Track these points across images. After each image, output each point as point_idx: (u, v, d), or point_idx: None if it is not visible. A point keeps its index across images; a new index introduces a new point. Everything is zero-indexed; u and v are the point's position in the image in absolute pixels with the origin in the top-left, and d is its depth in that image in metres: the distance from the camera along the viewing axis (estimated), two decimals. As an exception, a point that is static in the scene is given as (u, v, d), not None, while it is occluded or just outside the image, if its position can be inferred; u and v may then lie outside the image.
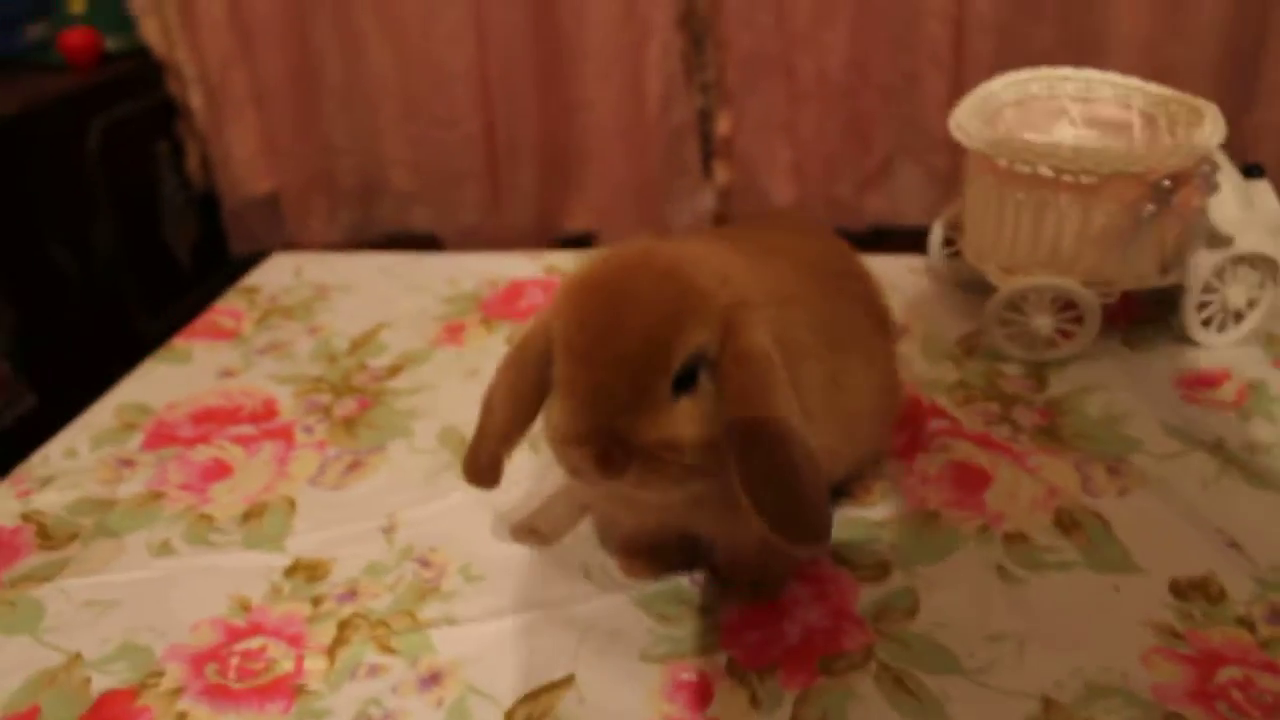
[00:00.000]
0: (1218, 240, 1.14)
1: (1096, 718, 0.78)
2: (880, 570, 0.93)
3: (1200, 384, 1.14)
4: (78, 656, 0.87)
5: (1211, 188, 1.08)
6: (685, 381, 0.72)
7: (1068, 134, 1.24)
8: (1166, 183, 1.05)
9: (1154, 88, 1.19)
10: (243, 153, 2.42)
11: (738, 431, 0.71)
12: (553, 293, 0.77)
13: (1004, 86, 1.22)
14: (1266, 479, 1.01)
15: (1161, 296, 1.23)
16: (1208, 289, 1.17)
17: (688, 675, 0.84)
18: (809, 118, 2.33)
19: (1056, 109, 1.24)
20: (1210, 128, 1.08)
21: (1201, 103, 1.12)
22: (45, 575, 0.96)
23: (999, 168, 1.13)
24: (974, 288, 1.31)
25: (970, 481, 1.02)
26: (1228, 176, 1.14)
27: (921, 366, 1.20)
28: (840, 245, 1.03)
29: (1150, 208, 1.06)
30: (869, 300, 0.99)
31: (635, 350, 0.70)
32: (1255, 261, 1.16)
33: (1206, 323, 1.19)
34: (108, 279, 2.17)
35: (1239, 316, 1.19)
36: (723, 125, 2.41)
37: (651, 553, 0.93)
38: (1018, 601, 0.89)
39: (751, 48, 2.29)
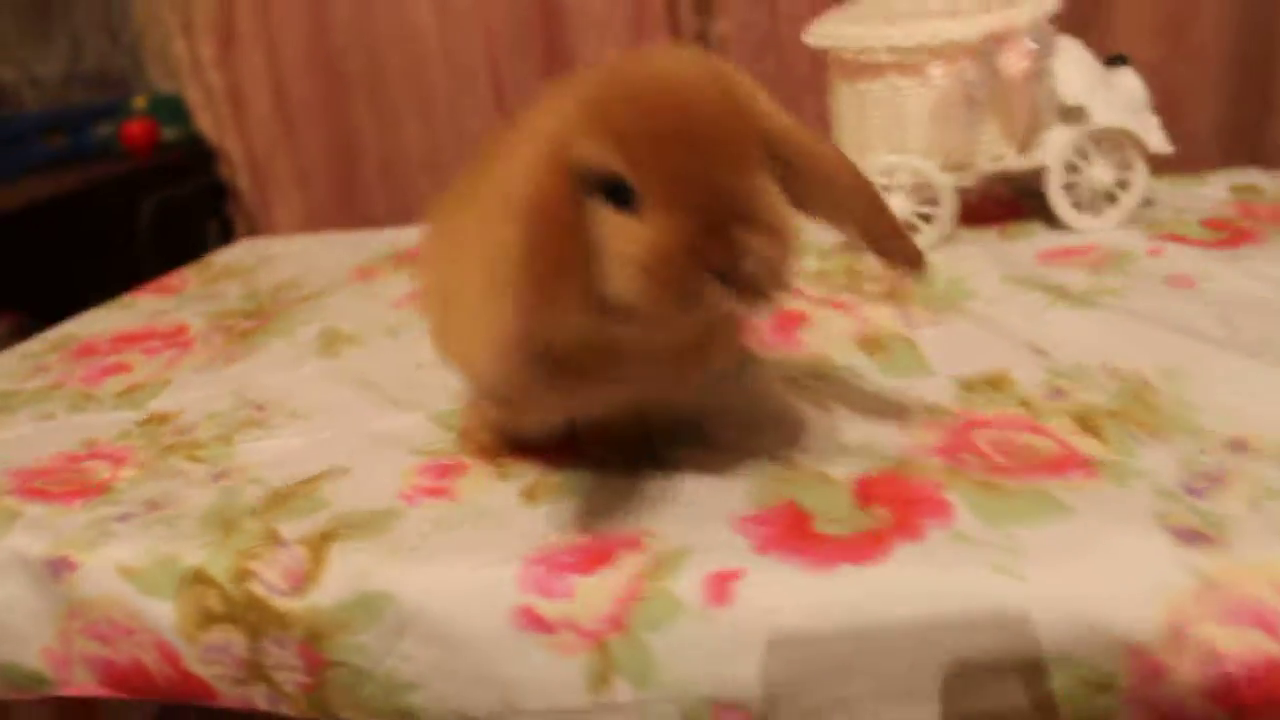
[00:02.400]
0: (1071, 115, 1.14)
1: (828, 469, 0.77)
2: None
3: (1062, 255, 1.12)
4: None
5: (1046, 53, 1.09)
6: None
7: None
8: (989, 45, 1.07)
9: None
10: (289, 229, 2.61)
11: (850, 175, 0.70)
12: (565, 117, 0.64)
13: (870, 5, 1.27)
14: (1094, 303, 0.98)
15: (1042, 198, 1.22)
16: (1072, 169, 1.16)
17: (449, 461, 0.87)
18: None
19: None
20: (1035, -4, 1.11)
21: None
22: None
23: (847, 64, 1.17)
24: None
25: (788, 324, 1.03)
26: (1076, 55, 1.15)
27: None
28: None
29: (972, 71, 1.08)
30: None
31: (734, 126, 0.62)
32: (1116, 138, 1.15)
33: (1079, 205, 1.17)
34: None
35: (1112, 199, 1.17)
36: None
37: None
38: (782, 402, 0.89)
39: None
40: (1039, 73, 1.10)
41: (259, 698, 0.78)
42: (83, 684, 0.84)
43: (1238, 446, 0.74)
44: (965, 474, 0.74)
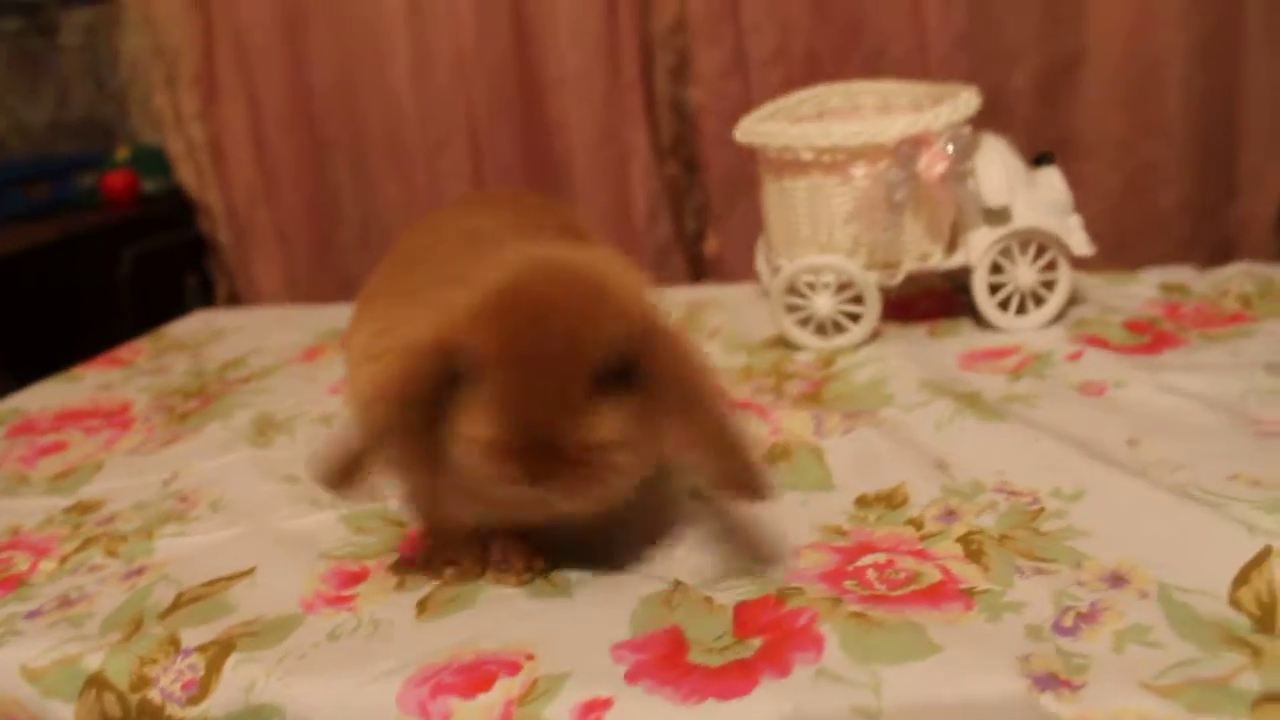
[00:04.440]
0: (994, 217, 1.16)
1: (716, 595, 0.78)
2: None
3: (983, 357, 1.14)
4: None
5: (964, 156, 1.10)
6: (612, 382, 0.72)
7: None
8: (906, 148, 1.09)
9: (938, 88, 1.24)
10: (269, 286, 2.64)
11: (688, 408, 0.74)
12: (451, 311, 0.74)
13: (800, 101, 1.30)
14: (1000, 415, 1.00)
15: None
16: (997, 269, 1.17)
17: (354, 566, 0.88)
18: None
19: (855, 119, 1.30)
20: (957, 101, 1.13)
21: (960, 88, 1.17)
22: None
23: (773, 161, 1.19)
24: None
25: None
26: (999, 155, 1.16)
27: (716, 359, 1.23)
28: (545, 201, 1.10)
29: (893, 171, 1.10)
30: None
31: (557, 351, 0.70)
32: (1040, 239, 1.17)
33: (1005, 306, 1.19)
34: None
35: (1039, 300, 1.19)
36: (711, 245, 2.52)
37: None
38: (692, 516, 0.91)
39: (728, 168, 2.42)
40: (959, 175, 1.12)
41: (153, 806, 0.79)
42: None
43: (1116, 580, 0.75)
44: (843, 604, 0.75)
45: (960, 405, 1.02)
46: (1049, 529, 0.82)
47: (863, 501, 0.89)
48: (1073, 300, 1.22)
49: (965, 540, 0.82)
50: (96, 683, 0.79)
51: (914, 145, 1.10)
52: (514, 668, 0.73)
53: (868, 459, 0.96)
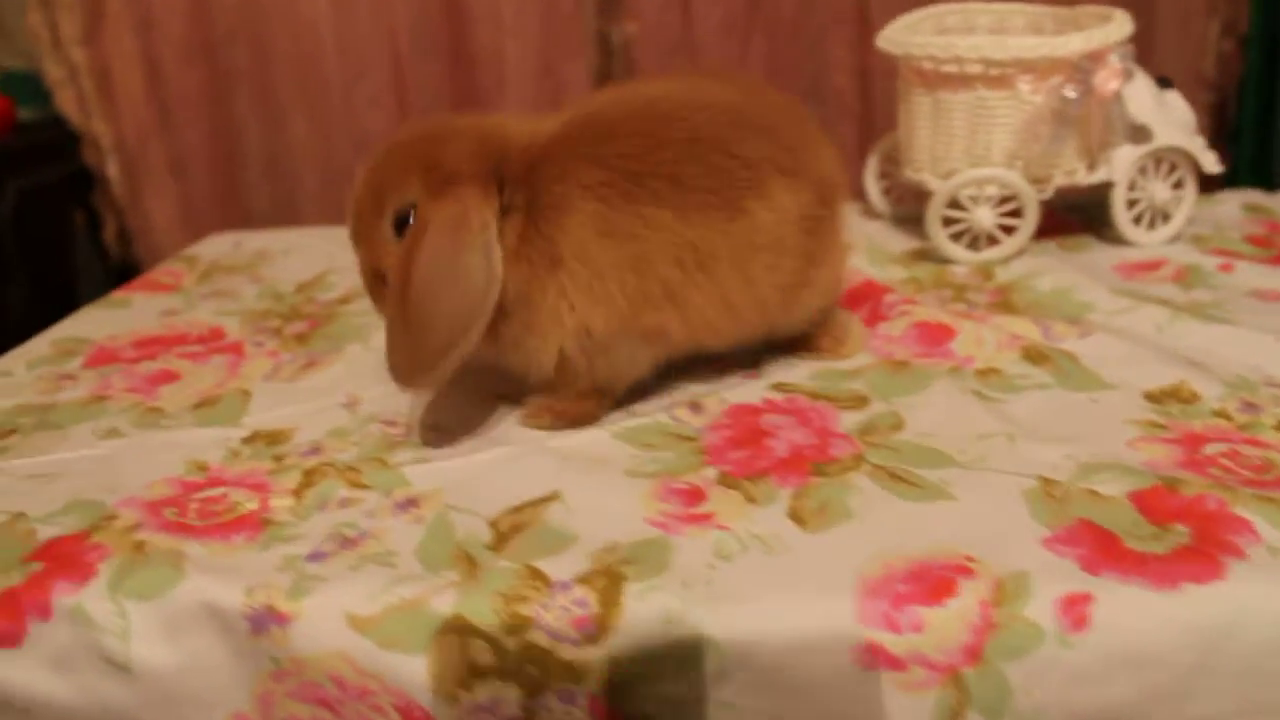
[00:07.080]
0: (1138, 135, 1.20)
1: (1096, 487, 0.77)
2: (859, 400, 0.92)
3: (1138, 269, 1.18)
4: (21, 514, 0.81)
5: (1129, 72, 1.14)
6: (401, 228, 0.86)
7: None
8: (1085, 62, 1.11)
9: (1064, 10, 1.27)
10: (162, 223, 2.38)
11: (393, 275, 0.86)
12: None
13: (921, 19, 1.29)
14: (1217, 317, 1.04)
15: (1091, 212, 1.28)
16: (1134, 186, 1.22)
17: (678, 484, 0.81)
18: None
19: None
20: (1119, 20, 1.16)
21: (1111, 9, 1.20)
22: (-19, 461, 0.90)
23: (928, 74, 1.18)
24: (910, 221, 1.35)
25: (935, 336, 1.03)
26: (1141, 78, 1.21)
27: (869, 273, 1.21)
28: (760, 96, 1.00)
29: (1071, 88, 1.12)
30: (782, 153, 0.92)
31: (366, 197, 0.88)
32: (1175, 157, 1.22)
33: (1137, 221, 1.24)
34: (18, 343, 2.09)
35: (1166, 216, 1.24)
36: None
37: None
38: (999, 413, 0.89)
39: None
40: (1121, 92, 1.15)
41: (524, 760, 0.70)
42: (278, 753, 0.73)
43: None
44: (1234, 489, 0.76)
45: (1168, 310, 1.05)
46: (1350, 416, 0.87)
47: (1152, 397, 0.91)
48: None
49: (1284, 429, 0.85)
50: (456, 628, 0.68)
51: (1092, 60, 1.12)
52: (964, 570, 0.69)
53: (1122, 359, 0.96)
